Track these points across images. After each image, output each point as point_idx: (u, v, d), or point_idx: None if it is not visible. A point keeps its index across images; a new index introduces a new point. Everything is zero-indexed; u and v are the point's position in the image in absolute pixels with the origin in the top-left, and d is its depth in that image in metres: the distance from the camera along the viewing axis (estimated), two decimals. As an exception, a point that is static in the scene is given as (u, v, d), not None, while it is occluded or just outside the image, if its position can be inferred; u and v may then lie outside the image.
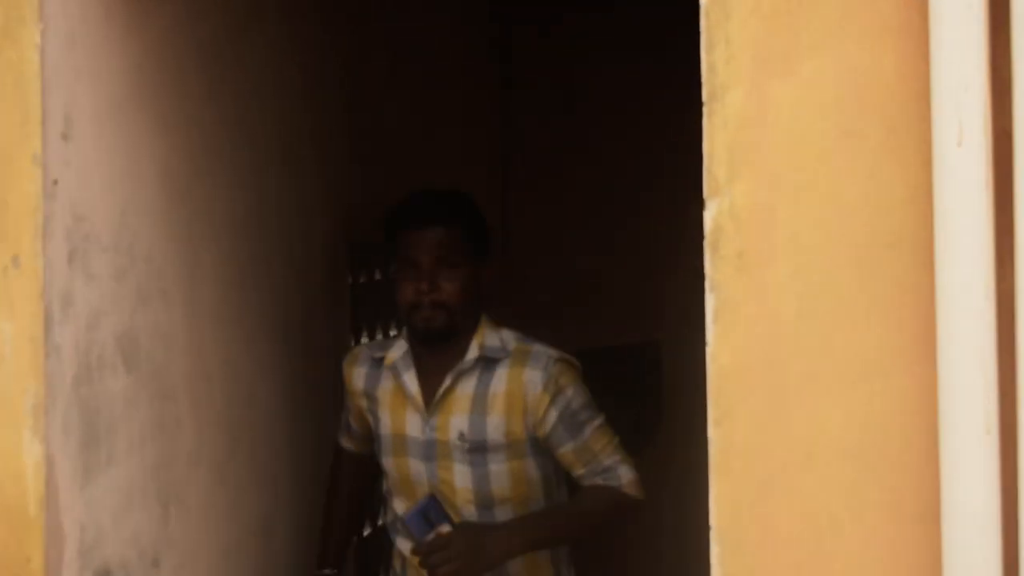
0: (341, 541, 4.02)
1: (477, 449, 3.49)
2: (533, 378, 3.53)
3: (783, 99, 2.57)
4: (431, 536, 3.44)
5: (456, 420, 3.55)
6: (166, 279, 3.49)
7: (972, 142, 2.41)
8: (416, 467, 3.58)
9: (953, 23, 2.42)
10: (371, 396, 3.72)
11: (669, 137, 3.54)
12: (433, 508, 3.48)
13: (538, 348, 3.61)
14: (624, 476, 3.58)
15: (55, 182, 2.89)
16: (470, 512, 3.55)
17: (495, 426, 3.51)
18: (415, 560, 3.55)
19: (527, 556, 3.59)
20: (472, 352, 3.59)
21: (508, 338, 3.65)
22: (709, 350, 2.60)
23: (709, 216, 2.58)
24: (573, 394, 3.57)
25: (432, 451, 3.55)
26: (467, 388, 3.57)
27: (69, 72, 2.96)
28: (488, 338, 3.62)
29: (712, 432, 2.60)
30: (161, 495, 3.45)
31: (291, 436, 4.29)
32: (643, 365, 6.34)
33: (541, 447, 3.62)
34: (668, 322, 5.18)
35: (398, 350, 3.70)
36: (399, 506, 3.69)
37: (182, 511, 3.56)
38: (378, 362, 3.73)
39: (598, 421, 3.61)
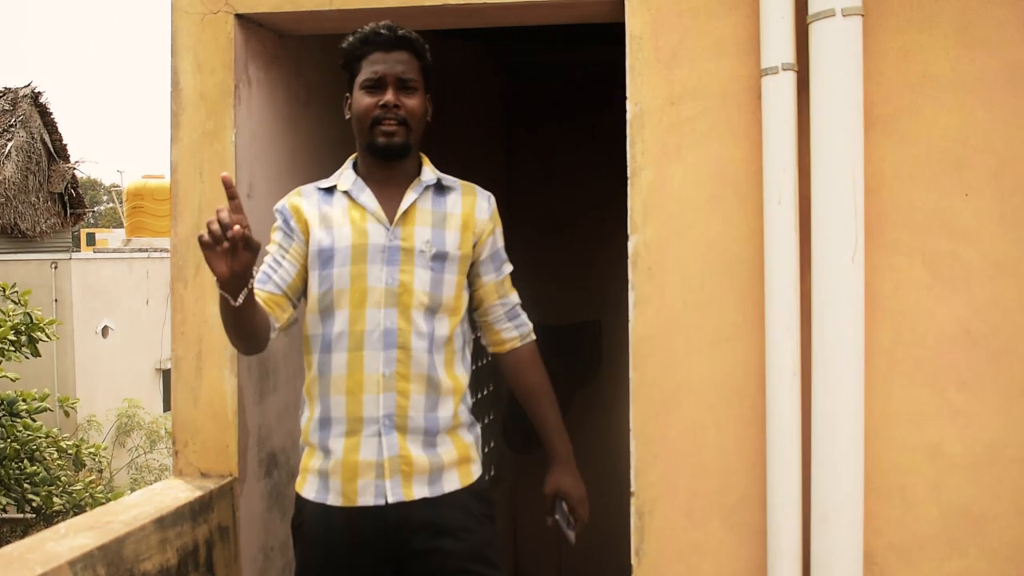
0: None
1: (438, 257, 2.48)
2: (482, 205, 2.58)
3: (675, 176, 2.65)
4: (571, 519, 2.63)
5: (421, 231, 2.49)
6: (308, 279, 3.49)
7: (786, 202, 2.51)
8: (376, 272, 2.45)
9: (776, 132, 2.53)
10: (324, 216, 2.52)
11: (612, 192, 3.44)
12: (560, 507, 2.63)
13: (477, 186, 2.66)
14: (528, 324, 2.69)
15: None
16: (419, 315, 2.46)
17: (452, 240, 2.51)
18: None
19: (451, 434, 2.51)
20: (428, 175, 2.56)
21: (444, 173, 2.64)
22: (631, 325, 2.68)
23: (631, 245, 2.67)
24: (500, 233, 2.64)
25: (396, 256, 2.46)
26: (426, 205, 2.52)
27: (251, 157, 3.02)
28: (434, 168, 2.61)
29: (632, 374, 2.67)
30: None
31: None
32: (587, 336, 6.22)
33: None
34: (606, 308, 5.18)
35: (346, 179, 2.57)
36: (338, 323, 2.46)
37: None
38: (327, 191, 2.57)
39: (509, 266, 2.67)
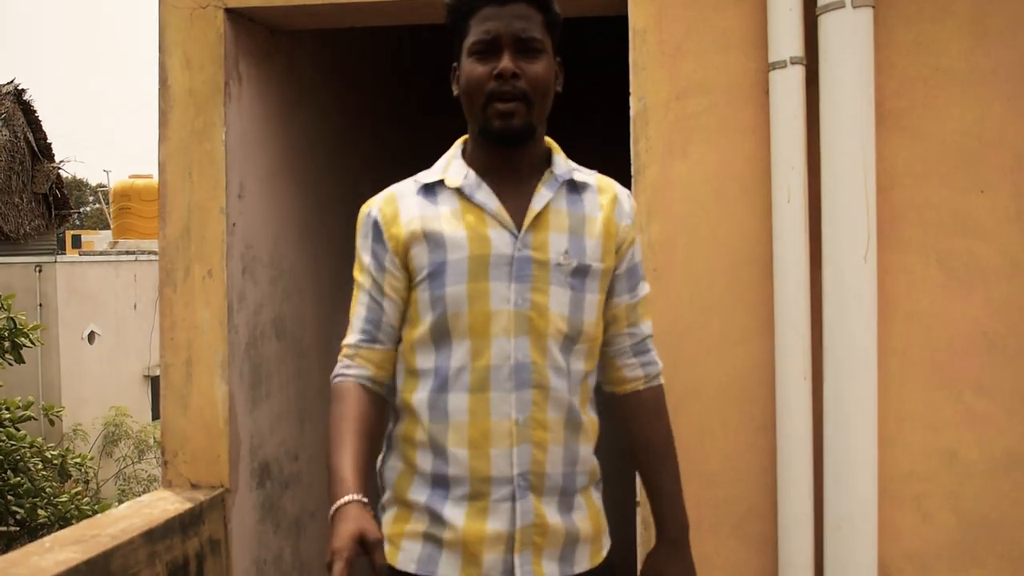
0: (364, 468, 1.89)
1: (579, 272, 1.94)
2: (624, 207, 2.04)
3: (680, 173, 2.65)
4: None
5: (556, 238, 1.94)
6: (302, 283, 3.50)
7: (796, 200, 2.51)
8: (500, 291, 1.89)
9: (785, 127, 2.53)
10: (430, 221, 1.95)
11: None
12: None
13: (615, 182, 2.10)
14: (657, 363, 2.12)
15: (234, 224, 2.96)
16: (556, 347, 1.93)
17: (593, 250, 1.96)
18: None
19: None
20: (561, 167, 2.00)
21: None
22: None
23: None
24: (639, 244, 2.12)
25: (526, 271, 1.90)
26: (561, 205, 1.97)
27: (242, 156, 3.02)
28: (565, 156, 2.06)
29: None
30: (299, 416, 3.45)
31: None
32: None
33: None
34: None
35: (457, 171, 1.99)
36: (457, 355, 1.91)
37: (312, 426, 3.54)
38: (430, 188, 2.00)
39: (647, 287, 2.12)
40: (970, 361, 2.53)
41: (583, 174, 2.04)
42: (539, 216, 1.94)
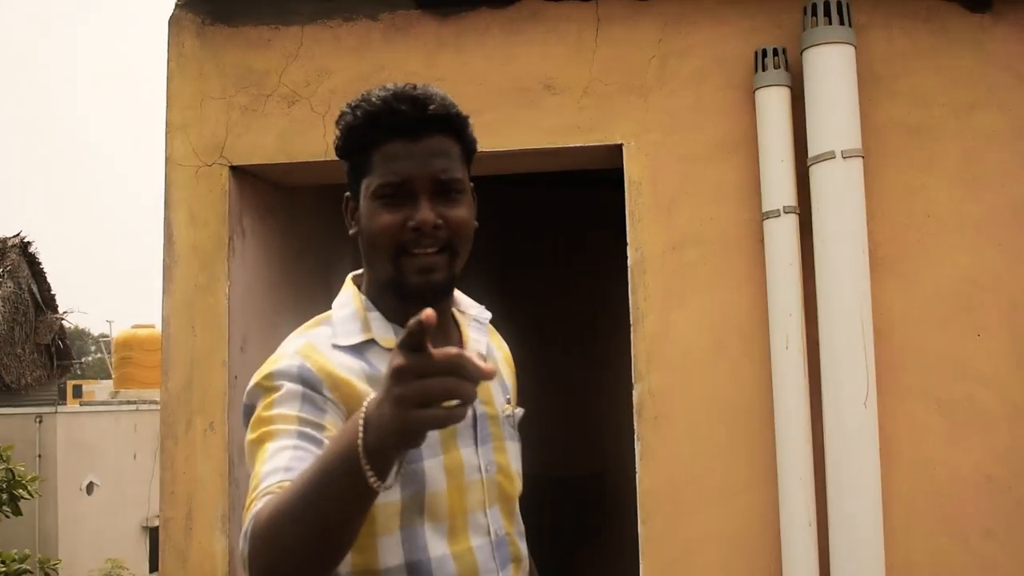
0: None
1: (517, 421, 1.70)
2: (508, 353, 1.80)
3: (679, 322, 2.68)
4: None
5: (493, 386, 1.65)
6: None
7: (794, 347, 2.54)
8: (470, 458, 1.57)
9: (780, 275, 2.58)
10: (377, 386, 1.17)
11: (614, 338, 3.39)
12: None
13: None
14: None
15: (235, 377, 2.96)
16: (517, 507, 1.68)
17: (513, 391, 1.74)
18: None
19: None
20: (471, 305, 1.71)
21: None
22: (638, 477, 2.67)
23: (636, 394, 2.68)
24: None
25: (485, 430, 1.60)
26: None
27: (245, 309, 3.05)
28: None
29: (640, 529, 2.65)
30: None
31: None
32: (590, 490, 6.08)
33: None
34: (609, 461, 5.04)
35: (383, 329, 1.57)
36: (435, 543, 1.52)
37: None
38: (355, 349, 1.54)
39: None
40: (976, 507, 2.52)
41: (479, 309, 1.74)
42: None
